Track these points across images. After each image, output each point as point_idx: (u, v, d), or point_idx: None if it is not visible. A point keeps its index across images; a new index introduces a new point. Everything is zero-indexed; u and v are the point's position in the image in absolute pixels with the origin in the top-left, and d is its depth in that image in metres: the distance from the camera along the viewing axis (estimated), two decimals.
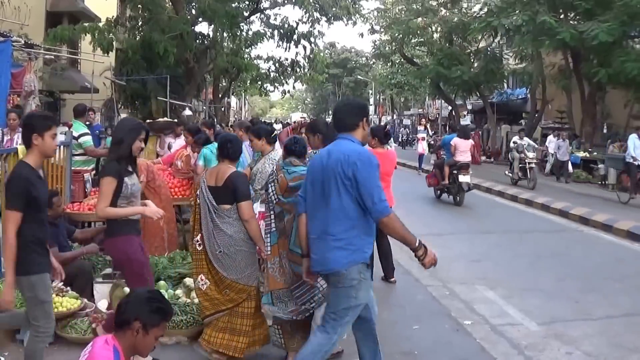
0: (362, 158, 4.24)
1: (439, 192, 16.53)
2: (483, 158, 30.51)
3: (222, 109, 37.42)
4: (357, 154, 4.25)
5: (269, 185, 5.31)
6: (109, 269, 6.76)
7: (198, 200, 5.47)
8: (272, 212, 5.20)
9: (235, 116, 57.72)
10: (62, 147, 8.35)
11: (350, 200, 4.22)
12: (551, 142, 23.48)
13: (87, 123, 10.87)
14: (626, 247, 10.94)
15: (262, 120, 25.36)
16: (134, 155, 5.14)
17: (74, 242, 7.56)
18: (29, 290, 4.44)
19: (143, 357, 3.43)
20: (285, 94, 38.92)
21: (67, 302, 5.97)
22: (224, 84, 39.01)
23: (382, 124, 46.94)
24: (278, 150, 7.28)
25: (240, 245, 5.24)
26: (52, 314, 4.61)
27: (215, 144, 8.56)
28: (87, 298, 6.35)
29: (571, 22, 23.24)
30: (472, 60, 33.76)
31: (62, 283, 6.19)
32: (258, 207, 6.57)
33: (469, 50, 34.09)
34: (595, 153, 22.77)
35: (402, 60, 40.73)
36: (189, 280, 6.67)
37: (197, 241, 5.38)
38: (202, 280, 5.36)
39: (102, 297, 6.41)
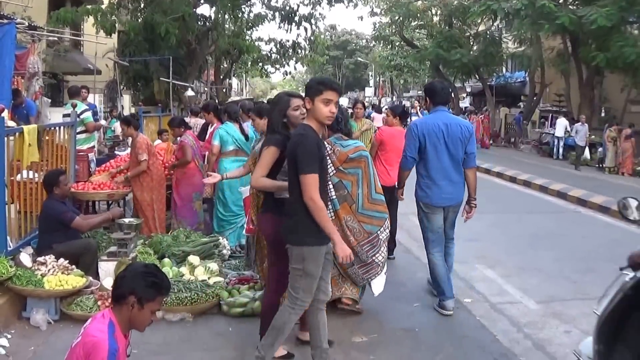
0: (471, 127, 6.59)
1: None
2: None
3: (224, 90, 37.27)
4: (469, 124, 6.68)
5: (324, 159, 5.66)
6: (113, 247, 6.86)
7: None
8: (329, 182, 5.59)
9: (237, 97, 57.56)
10: (65, 127, 8.44)
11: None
12: (560, 124, 23.49)
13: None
14: (623, 228, 11.03)
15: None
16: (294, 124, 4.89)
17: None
18: (297, 261, 4.38)
19: (140, 331, 3.47)
20: (286, 75, 38.83)
21: (72, 280, 6.05)
22: (226, 65, 38.84)
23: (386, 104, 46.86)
24: None
25: None
26: (314, 290, 4.52)
27: (230, 125, 8.56)
28: (92, 276, 6.44)
29: (570, 6, 23.27)
30: (471, 43, 33.76)
31: (67, 261, 6.33)
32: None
33: (468, 34, 34.10)
34: (592, 137, 22.86)
35: (402, 42, 40.64)
36: (192, 258, 6.79)
37: None
38: None
39: (107, 275, 6.49)
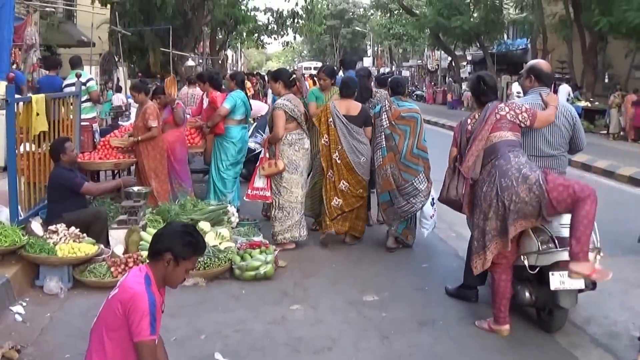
0: None
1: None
2: None
3: (220, 61, 37.14)
4: None
5: (382, 114, 7.07)
6: (123, 215, 6.87)
7: (332, 126, 7.14)
8: (382, 134, 7.05)
9: (234, 68, 57.26)
10: (71, 97, 8.38)
11: None
12: (563, 91, 23.04)
13: None
14: (628, 192, 11.05)
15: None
16: None
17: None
18: None
19: (173, 288, 3.52)
20: (286, 45, 38.66)
21: (84, 247, 6.07)
22: (221, 36, 38.70)
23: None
24: (289, 96, 7.31)
25: (370, 154, 7.21)
26: None
27: (241, 92, 8.65)
28: (103, 244, 6.45)
29: None
30: (472, 9, 33.47)
31: (78, 230, 6.34)
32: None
33: (468, 0, 33.74)
34: (596, 103, 22.76)
35: (401, 10, 40.36)
36: (203, 224, 6.81)
37: (337, 156, 7.17)
38: (344, 184, 7.20)
39: (118, 242, 6.53)
